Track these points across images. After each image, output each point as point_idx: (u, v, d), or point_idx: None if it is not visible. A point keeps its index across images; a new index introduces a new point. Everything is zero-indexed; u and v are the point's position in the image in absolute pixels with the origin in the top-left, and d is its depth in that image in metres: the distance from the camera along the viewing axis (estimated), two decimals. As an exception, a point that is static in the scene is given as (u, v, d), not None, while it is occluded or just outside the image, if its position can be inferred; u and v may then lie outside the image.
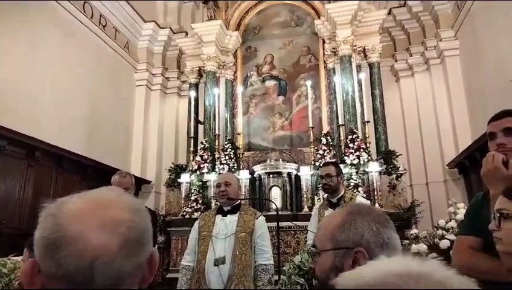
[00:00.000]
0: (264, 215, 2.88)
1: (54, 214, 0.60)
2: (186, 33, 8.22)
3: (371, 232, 0.91)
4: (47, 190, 5.43)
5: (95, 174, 6.28)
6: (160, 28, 8.36)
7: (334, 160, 5.52)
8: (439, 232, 2.24)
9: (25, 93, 5.21)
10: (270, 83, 7.50)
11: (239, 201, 2.86)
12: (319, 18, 7.20)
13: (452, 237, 2.16)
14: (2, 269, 2.34)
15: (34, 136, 5.11)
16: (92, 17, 6.85)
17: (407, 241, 2.39)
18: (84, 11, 6.67)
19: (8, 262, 2.38)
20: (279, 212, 4.39)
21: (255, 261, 2.67)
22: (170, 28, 8.41)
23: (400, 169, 6.15)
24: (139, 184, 7.13)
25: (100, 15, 7.12)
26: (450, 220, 2.35)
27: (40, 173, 5.33)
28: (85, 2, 6.69)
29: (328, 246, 0.95)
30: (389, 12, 7.53)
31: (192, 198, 6.34)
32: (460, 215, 2.29)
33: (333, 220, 0.99)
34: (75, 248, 0.56)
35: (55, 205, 0.62)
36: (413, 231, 2.53)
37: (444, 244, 2.15)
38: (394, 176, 6.08)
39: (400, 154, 6.40)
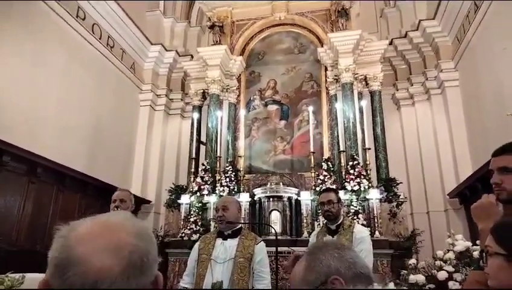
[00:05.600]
0: (263, 240, 2.87)
1: (64, 236, 0.65)
2: (192, 56, 8.40)
3: (335, 259, 0.96)
4: (47, 207, 5.41)
5: (96, 192, 6.27)
6: (167, 50, 8.57)
7: (333, 186, 5.51)
8: (437, 263, 2.23)
9: (28, 110, 5.25)
10: (273, 108, 7.59)
11: (240, 225, 2.85)
12: (322, 46, 7.35)
13: (450, 268, 2.15)
14: (-1, 287, 2.33)
15: (36, 152, 5.13)
16: (100, 38, 7.04)
17: (406, 272, 2.37)
18: (93, 32, 6.86)
19: (6, 279, 2.36)
20: (278, 237, 4.35)
21: (253, 287, 2.65)
22: (176, 51, 8.63)
23: (400, 197, 6.12)
24: (139, 204, 7.11)
25: (108, 36, 7.30)
26: (448, 251, 2.33)
27: (41, 189, 5.32)
28: (94, 24, 6.88)
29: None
30: (391, 43, 7.73)
31: (192, 220, 6.29)
32: (459, 247, 2.28)
33: (299, 267, 1.02)
34: (80, 269, 0.60)
35: (67, 227, 0.67)
36: (412, 261, 2.51)
37: (442, 275, 2.13)
38: (395, 203, 6.04)
39: (401, 183, 6.39)
